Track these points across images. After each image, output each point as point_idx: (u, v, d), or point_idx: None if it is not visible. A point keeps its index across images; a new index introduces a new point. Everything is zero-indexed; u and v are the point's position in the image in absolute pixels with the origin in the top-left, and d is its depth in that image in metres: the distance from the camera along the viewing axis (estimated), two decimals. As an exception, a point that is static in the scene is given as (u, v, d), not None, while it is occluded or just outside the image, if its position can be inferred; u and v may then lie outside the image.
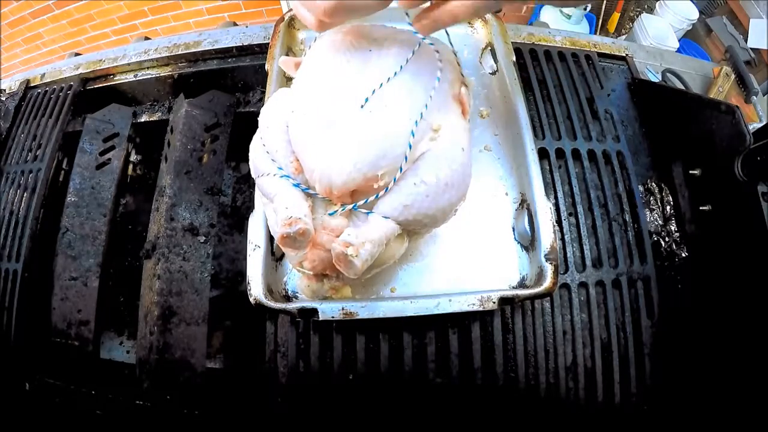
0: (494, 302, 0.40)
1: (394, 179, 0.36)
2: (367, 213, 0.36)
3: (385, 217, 0.36)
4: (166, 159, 0.60)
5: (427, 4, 0.34)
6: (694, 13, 1.76)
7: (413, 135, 0.35)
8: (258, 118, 0.40)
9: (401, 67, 0.37)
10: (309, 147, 0.35)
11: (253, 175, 0.40)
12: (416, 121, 0.36)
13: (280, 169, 0.37)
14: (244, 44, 0.68)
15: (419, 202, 0.36)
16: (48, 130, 0.67)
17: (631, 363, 0.49)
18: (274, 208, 0.36)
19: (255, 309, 0.39)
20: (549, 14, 1.76)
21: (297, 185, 0.37)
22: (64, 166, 0.67)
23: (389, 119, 0.35)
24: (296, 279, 0.44)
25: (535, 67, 0.63)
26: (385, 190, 0.36)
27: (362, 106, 0.36)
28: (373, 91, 0.36)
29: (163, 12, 1.85)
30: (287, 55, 0.54)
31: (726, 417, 0.49)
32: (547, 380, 0.48)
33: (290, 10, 0.53)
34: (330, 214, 0.37)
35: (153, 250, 0.54)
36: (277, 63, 0.50)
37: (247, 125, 0.46)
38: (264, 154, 0.38)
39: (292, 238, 0.34)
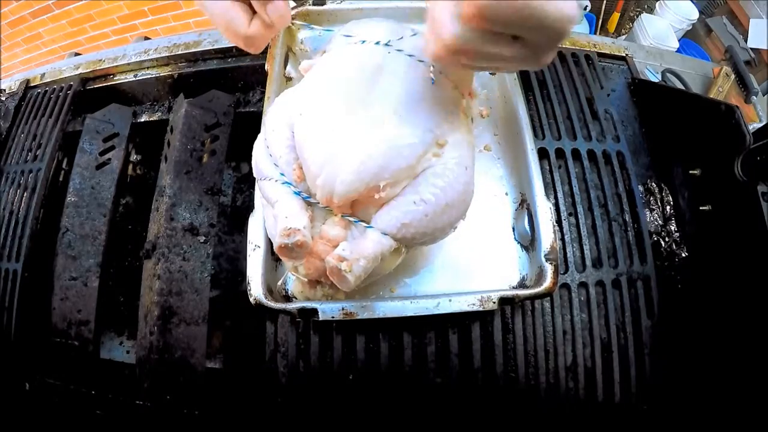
0: (494, 302, 0.39)
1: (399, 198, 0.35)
2: (366, 226, 0.36)
3: (383, 233, 0.35)
4: (166, 159, 0.60)
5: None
6: (694, 13, 1.76)
7: (418, 148, 0.35)
8: (263, 119, 0.40)
9: (414, 78, 0.37)
10: (314, 152, 0.35)
11: (255, 176, 0.40)
12: (422, 135, 0.35)
13: (282, 175, 0.37)
14: (244, 44, 0.68)
15: (418, 221, 0.35)
16: (48, 130, 0.67)
17: (631, 363, 0.49)
18: (273, 214, 0.36)
19: (255, 309, 0.39)
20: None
21: (298, 193, 0.36)
22: (64, 166, 0.67)
23: (396, 130, 0.35)
24: (292, 282, 0.44)
25: (535, 67, 0.63)
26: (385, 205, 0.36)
27: (371, 115, 0.35)
28: (384, 100, 0.36)
29: (163, 12, 1.85)
30: (287, 55, 0.54)
31: (726, 417, 0.49)
32: (547, 380, 0.48)
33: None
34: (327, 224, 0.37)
35: (153, 250, 0.54)
36: (277, 63, 0.50)
37: (247, 125, 0.46)
38: (267, 158, 0.38)
39: (290, 249, 0.33)
